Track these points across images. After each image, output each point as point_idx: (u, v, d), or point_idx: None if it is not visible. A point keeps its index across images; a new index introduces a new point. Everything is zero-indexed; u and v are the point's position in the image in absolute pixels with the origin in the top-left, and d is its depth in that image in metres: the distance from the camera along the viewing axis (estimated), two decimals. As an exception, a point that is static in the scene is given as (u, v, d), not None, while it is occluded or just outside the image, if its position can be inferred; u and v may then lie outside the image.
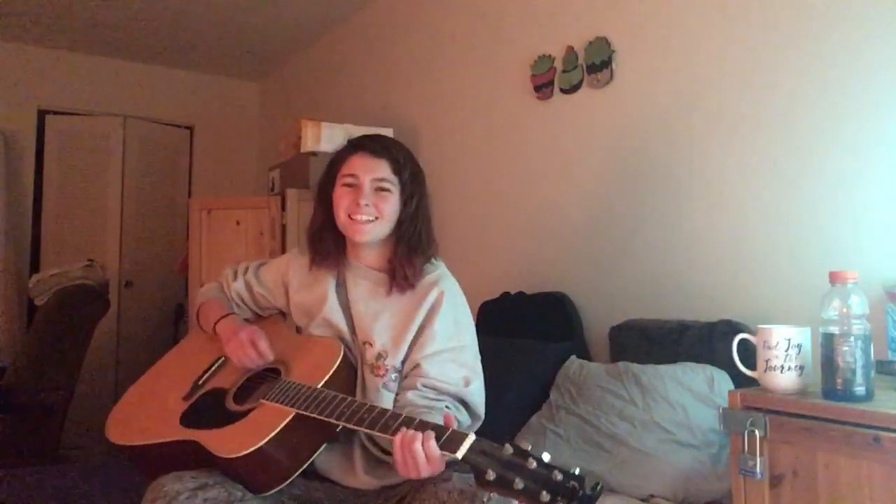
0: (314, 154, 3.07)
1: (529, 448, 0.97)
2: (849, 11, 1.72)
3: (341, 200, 1.39)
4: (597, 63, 2.37)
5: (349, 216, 1.38)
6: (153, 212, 4.67)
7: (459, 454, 1.01)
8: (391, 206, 1.39)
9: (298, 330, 1.50)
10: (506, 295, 2.58)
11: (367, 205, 1.36)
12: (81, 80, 4.51)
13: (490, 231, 2.87)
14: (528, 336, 2.35)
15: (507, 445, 0.98)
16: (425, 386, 1.31)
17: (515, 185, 2.75)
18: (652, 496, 1.64)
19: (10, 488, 1.89)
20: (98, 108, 4.55)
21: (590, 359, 2.20)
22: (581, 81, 2.44)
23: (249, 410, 1.27)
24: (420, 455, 1.04)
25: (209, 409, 1.34)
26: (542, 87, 2.59)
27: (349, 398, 1.20)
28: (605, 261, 2.35)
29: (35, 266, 4.25)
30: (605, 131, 2.38)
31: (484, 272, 2.81)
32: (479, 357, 1.42)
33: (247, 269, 1.60)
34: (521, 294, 2.52)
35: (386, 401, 1.33)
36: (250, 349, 1.39)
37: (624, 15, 2.31)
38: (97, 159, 4.50)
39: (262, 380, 1.37)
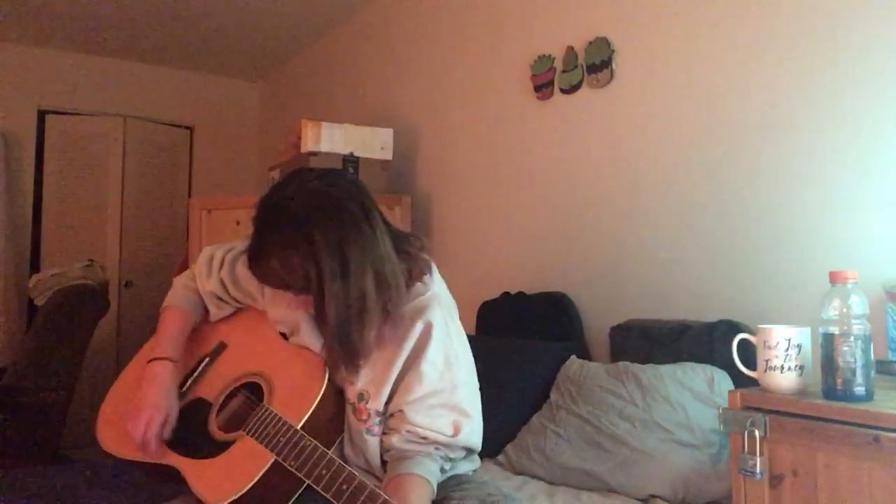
0: (314, 154, 3.07)
1: None
2: (848, 12, 1.72)
3: None
4: (597, 63, 2.37)
5: None
6: (153, 212, 4.67)
7: None
8: (311, 301, 1.19)
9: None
10: (506, 295, 2.58)
11: (295, 309, 1.25)
12: (81, 80, 4.51)
13: (490, 231, 2.87)
14: (528, 336, 2.35)
15: None
16: (410, 432, 1.22)
17: (515, 184, 2.75)
18: (652, 496, 1.64)
19: (10, 488, 1.89)
20: (98, 108, 4.56)
21: (590, 359, 2.20)
22: (581, 81, 2.44)
23: (230, 442, 1.24)
24: None
25: (192, 428, 1.31)
26: (542, 87, 2.59)
27: (328, 456, 1.12)
28: (605, 261, 2.35)
29: (35, 266, 4.25)
30: (605, 131, 2.38)
31: (484, 272, 2.82)
32: (475, 388, 1.31)
33: (222, 263, 1.43)
34: (521, 294, 2.52)
35: (372, 447, 1.25)
36: (140, 431, 1.25)
37: (624, 15, 2.31)
38: (97, 159, 4.51)
39: (241, 394, 1.33)
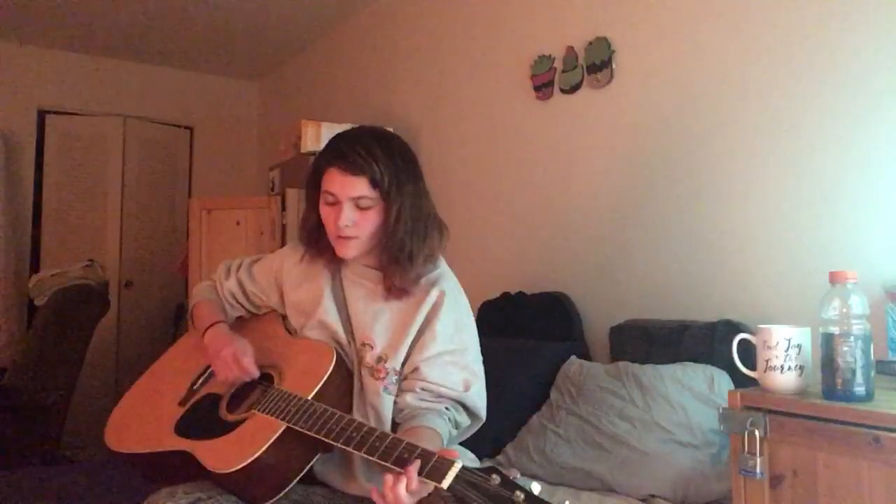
0: (314, 154, 3.07)
1: (517, 476, 0.95)
2: (848, 12, 1.72)
3: (326, 218, 1.34)
4: (597, 63, 2.37)
5: (334, 234, 1.34)
6: (153, 212, 4.67)
7: (445, 483, 0.98)
8: (371, 222, 1.32)
9: (291, 331, 1.46)
10: (506, 295, 2.58)
11: (346, 225, 1.31)
12: (81, 80, 4.51)
13: (490, 231, 2.87)
14: (528, 336, 2.35)
15: (494, 476, 0.96)
16: (424, 389, 1.30)
17: (515, 185, 2.75)
18: (652, 496, 1.65)
19: (10, 488, 1.89)
20: (98, 108, 4.56)
21: (590, 359, 2.20)
22: (581, 81, 2.44)
23: (241, 421, 1.26)
24: (402, 496, 1.02)
25: (203, 416, 1.33)
26: (542, 87, 2.59)
27: (338, 413, 1.17)
28: (605, 261, 2.35)
29: (35, 266, 4.25)
30: (605, 131, 2.38)
31: (484, 272, 2.82)
32: (480, 358, 1.40)
33: (240, 266, 1.55)
34: (521, 294, 2.52)
35: (386, 405, 1.31)
36: (234, 367, 1.35)
37: (624, 15, 2.31)
38: (97, 159, 4.51)
39: (255, 386, 1.36)
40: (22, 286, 4.03)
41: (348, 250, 1.34)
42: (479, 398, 1.35)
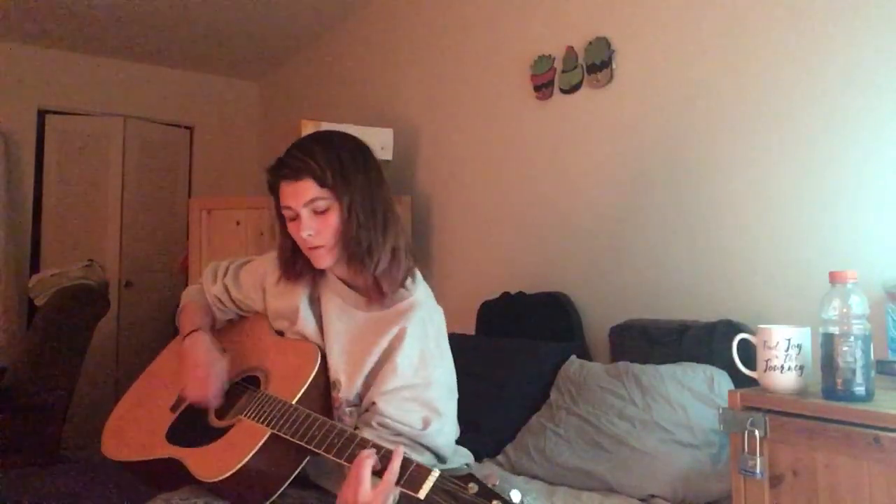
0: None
1: (496, 484, 0.93)
2: (848, 11, 1.72)
3: (294, 234, 1.29)
4: (597, 63, 2.37)
5: (305, 247, 1.29)
6: (153, 212, 4.68)
7: (422, 493, 0.96)
8: (331, 224, 1.25)
9: (278, 331, 1.44)
10: (506, 295, 2.58)
11: (310, 234, 1.25)
12: (81, 80, 4.51)
13: (490, 231, 2.87)
14: (528, 336, 2.35)
15: (472, 484, 0.94)
16: (381, 425, 1.23)
17: (515, 185, 2.75)
18: (652, 496, 1.64)
19: (10, 488, 1.89)
20: (98, 108, 4.56)
21: (590, 359, 2.20)
22: (581, 81, 2.44)
23: (228, 427, 1.27)
24: (366, 478, 1.01)
25: (193, 423, 1.34)
26: (542, 87, 2.59)
27: (321, 419, 1.16)
28: (605, 261, 2.35)
29: (35, 266, 4.25)
30: (605, 131, 2.38)
31: (484, 272, 2.82)
32: (451, 392, 1.32)
33: (227, 270, 1.52)
34: (521, 294, 2.52)
35: None
36: (201, 392, 1.32)
37: (624, 15, 2.31)
38: (97, 159, 4.51)
39: (243, 390, 1.36)
40: (22, 286, 4.03)
41: (321, 260, 1.28)
42: (439, 436, 1.26)
